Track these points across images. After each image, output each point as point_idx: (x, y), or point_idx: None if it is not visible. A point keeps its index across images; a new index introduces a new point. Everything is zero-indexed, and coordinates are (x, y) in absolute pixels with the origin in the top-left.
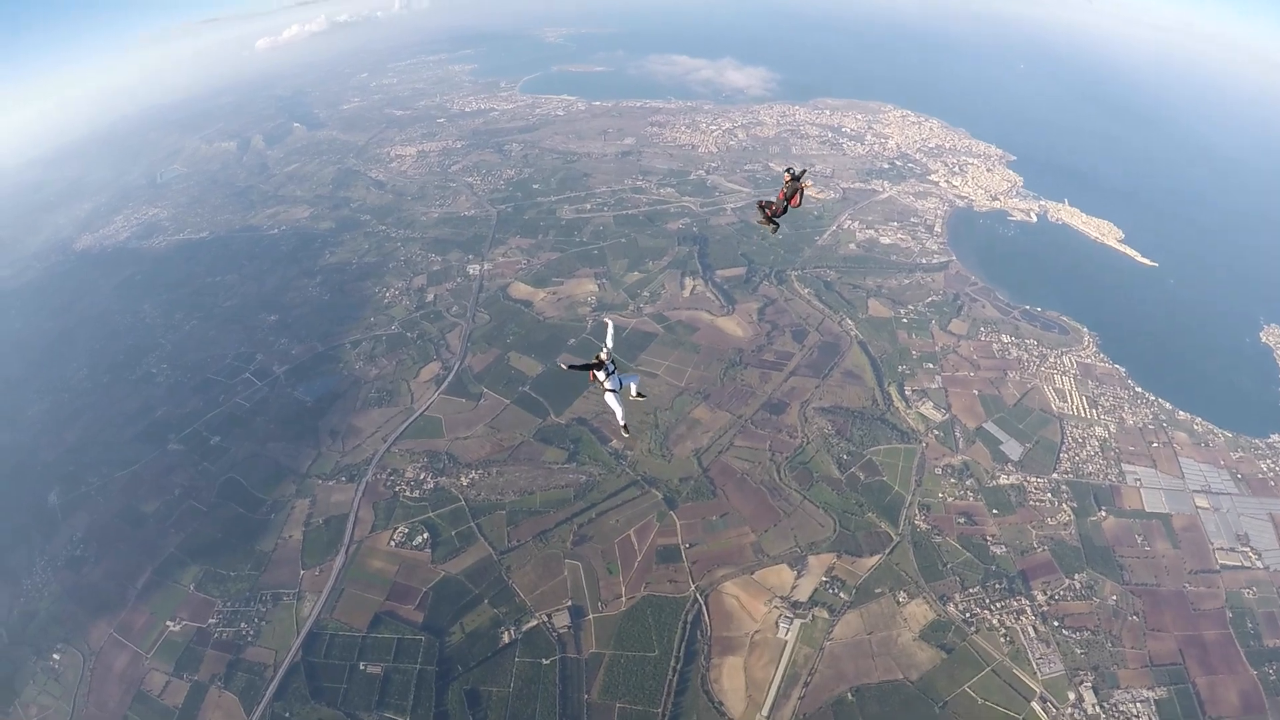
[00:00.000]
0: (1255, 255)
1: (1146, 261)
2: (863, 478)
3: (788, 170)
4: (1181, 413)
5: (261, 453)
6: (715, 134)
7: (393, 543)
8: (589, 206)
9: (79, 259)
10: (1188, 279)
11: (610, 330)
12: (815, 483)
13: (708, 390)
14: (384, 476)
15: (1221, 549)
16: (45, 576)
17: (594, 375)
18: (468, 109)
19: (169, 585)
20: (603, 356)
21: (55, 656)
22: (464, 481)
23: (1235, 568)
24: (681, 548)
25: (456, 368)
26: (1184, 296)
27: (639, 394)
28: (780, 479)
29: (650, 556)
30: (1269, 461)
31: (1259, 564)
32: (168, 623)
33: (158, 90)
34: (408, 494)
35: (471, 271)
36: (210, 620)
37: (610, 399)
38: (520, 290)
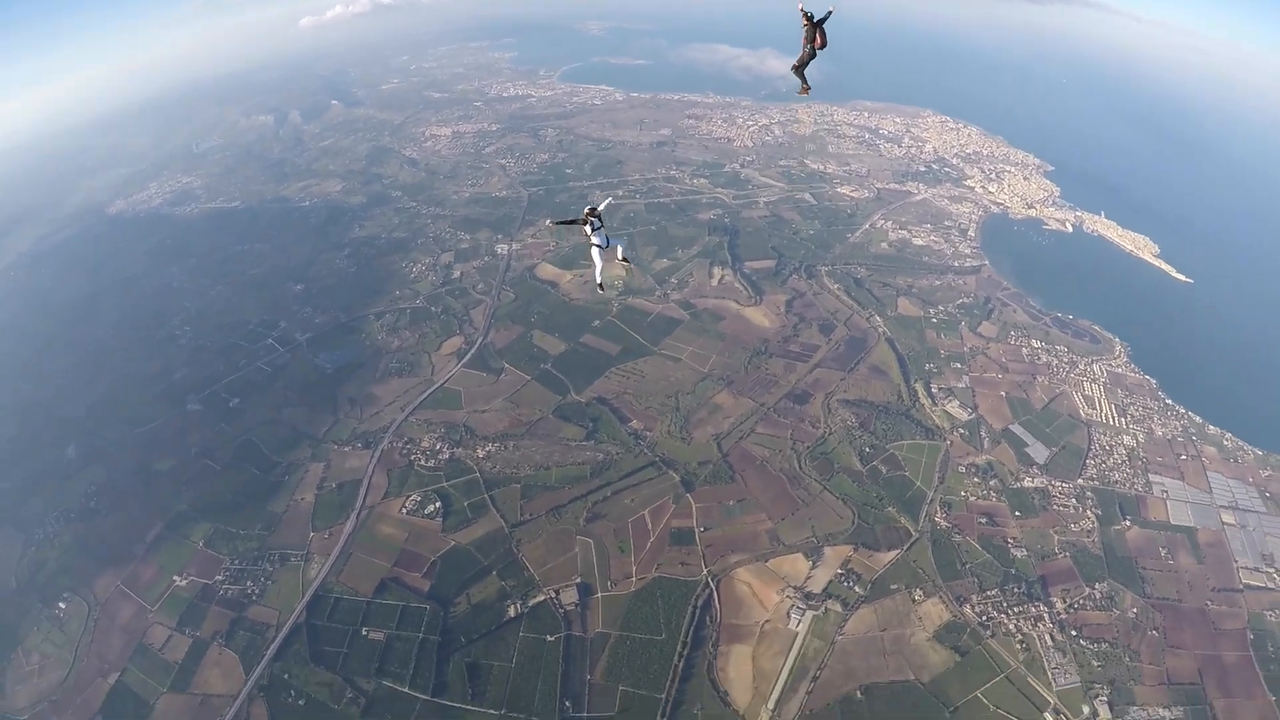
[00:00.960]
0: None
1: (1181, 277)
2: (884, 471)
3: (803, 12)
4: (1212, 427)
5: (279, 417)
6: (751, 129)
7: (404, 510)
8: (621, 193)
9: (111, 223)
10: (1222, 296)
11: (607, 201)
12: (836, 473)
13: (731, 377)
14: (400, 445)
15: (1246, 568)
16: (57, 527)
17: (584, 231)
18: (505, 94)
19: (178, 541)
20: (589, 212)
21: (61, 605)
22: (480, 454)
23: (1259, 588)
24: (696, 531)
25: (479, 343)
26: (1218, 313)
27: (624, 258)
28: (800, 468)
29: (664, 538)
30: None
31: None
32: (175, 577)
33: (201, 64)
34: (423, 463)
35: (500, 251)
36: (217, 577)
37: (594, 253)
38: (547, 271)
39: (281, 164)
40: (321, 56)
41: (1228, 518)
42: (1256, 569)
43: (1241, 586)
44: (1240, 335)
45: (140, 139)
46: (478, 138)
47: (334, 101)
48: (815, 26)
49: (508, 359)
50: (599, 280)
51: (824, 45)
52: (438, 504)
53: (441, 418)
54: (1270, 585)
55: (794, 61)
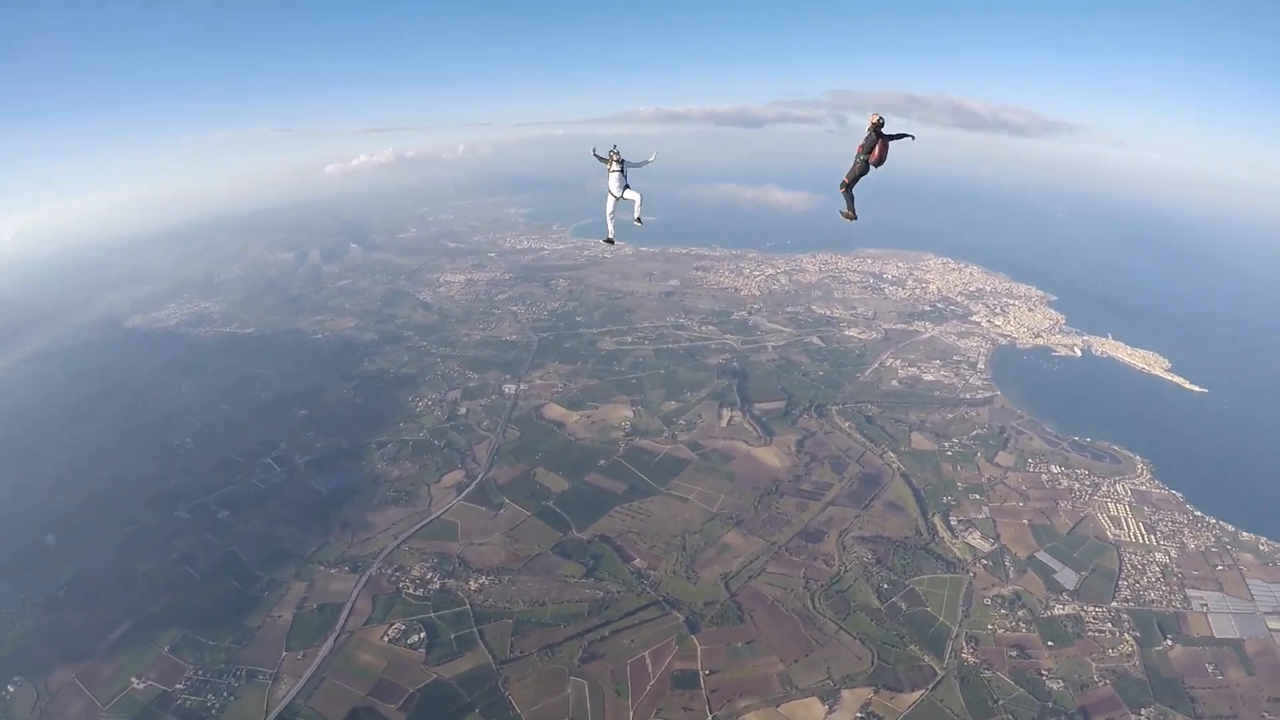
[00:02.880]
0: None
1: (1195, 388)
2: (905, 608)
3: (874, 114)
4: (1245, 534)
5: (268, 533)
6: (758, 279)
7: (386, 638)
8: (630, 339)
9: (126, 335)
10: (1239, 402)
11: (654, 156)
12: (852, 612)
13: (740, 517)
14: (389, 571)
15: None
16: (22, 610)
17: (610, 168)
18: (519, 247)
19: (144, 643)
20: (613, 153)
21: (10, 688)
22: (472, 586)
23: None
24: (701, 674)
25: (481, 477)
26: (1237, 419)
27: (639, 218)
28: (814, 607)
29: (665, 681)
30: None
31: None
32: (133, 679)
33: (229, 198)
34: (411, 591)
35: (507, 390)
36: (177, 685)
37: (609, 201)
38: (554, 411)
39: (299, 299)
40: (345, 202)
41: (1274, 624)
42: None
43: None
44: (1261, 438)
45: (164, 261)
46: (490, 285)
47: (354, 245)
48: (881, 138)
49: (508, 494)
50: (610, 231)
51: (881, 162)
52: (422, 634)
53: (435, 548)
54: None
55: (843, 178)
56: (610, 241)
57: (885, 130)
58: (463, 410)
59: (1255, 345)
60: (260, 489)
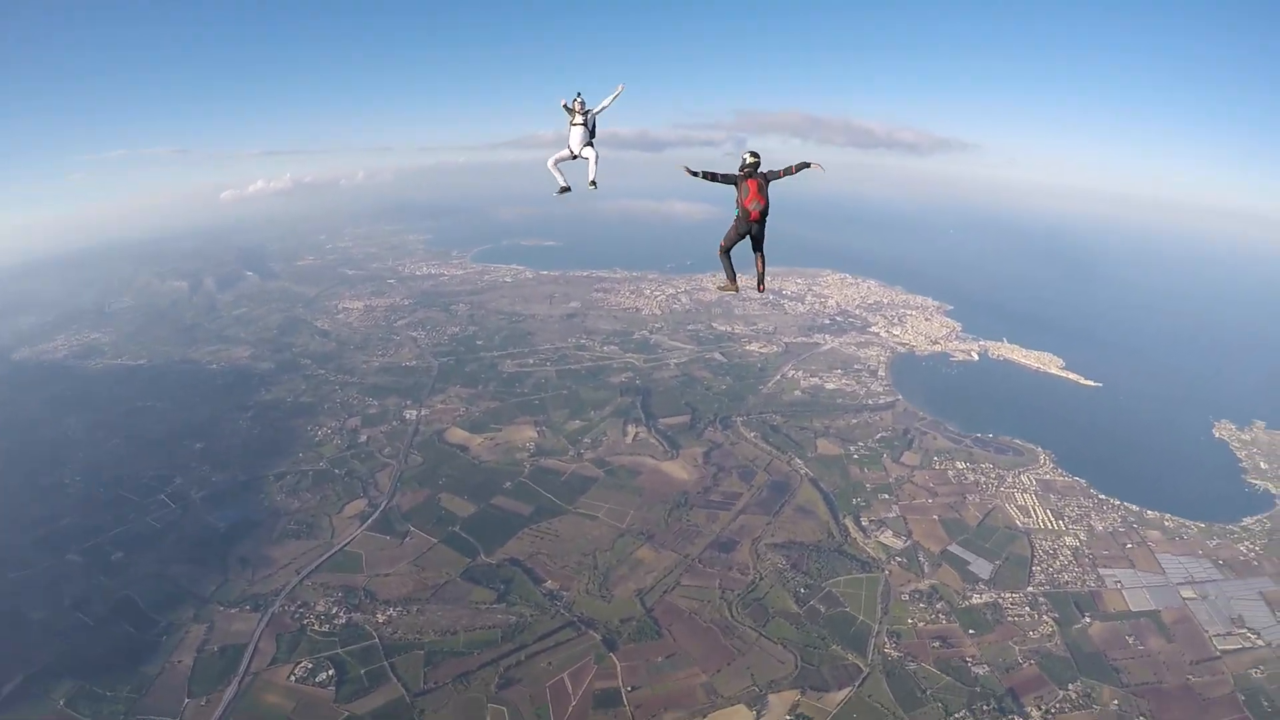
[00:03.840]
0: (1191, 367)
1: (1090, 383)
2: (823, 610)
3: (746, 161)
4: (1150, 512)
5: (164, 573)
6: (659, 299)
7: (293, 678)
8: (531, 361)
9: (13, 368)
10: (1130, 394)
11: (614, 96)
12: (771, 618)
13: (651, 531)
14: (292, 608)
15: (1218, 634)
16: None
17: (573, 120)
18: (418, 273)
19: (38, 696)
20: (581, 105)
21: None
22: (380, 619)
23: (1237, 650)
24: (623, 691)
25: (384, 505)
26: (1130, 409)
27: (593, 181)
28: (733, 616)
29: (587, 701)
30: (1247, 544)
31: (1260, 642)
32: None
33: (122, 225)
34: (316, 628)
35: (408, 416)
36: None
37: (569, 149)
38: (457, 435)
39: (193, 329)
40: (241, 229)
41: (1187, 593)
42: (1229, 633)
43: (1219, 653)
44: (1155, 425)
45: (53, 290)
46: (389, 311)
47: (250, 273)
48: (755, 179)
49: (413, 521)
50: (561, 180)
51: (760, 216)
52: (331, 671)
53: (340, 581)
54: (1247, 645)
55: (720, 241)
56: (567, 189)
57: (764, 168)
58: (363, 438)
59: (1141, 342)
60: (155, 527)
